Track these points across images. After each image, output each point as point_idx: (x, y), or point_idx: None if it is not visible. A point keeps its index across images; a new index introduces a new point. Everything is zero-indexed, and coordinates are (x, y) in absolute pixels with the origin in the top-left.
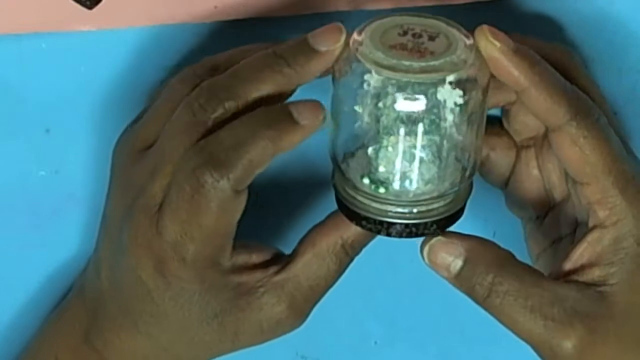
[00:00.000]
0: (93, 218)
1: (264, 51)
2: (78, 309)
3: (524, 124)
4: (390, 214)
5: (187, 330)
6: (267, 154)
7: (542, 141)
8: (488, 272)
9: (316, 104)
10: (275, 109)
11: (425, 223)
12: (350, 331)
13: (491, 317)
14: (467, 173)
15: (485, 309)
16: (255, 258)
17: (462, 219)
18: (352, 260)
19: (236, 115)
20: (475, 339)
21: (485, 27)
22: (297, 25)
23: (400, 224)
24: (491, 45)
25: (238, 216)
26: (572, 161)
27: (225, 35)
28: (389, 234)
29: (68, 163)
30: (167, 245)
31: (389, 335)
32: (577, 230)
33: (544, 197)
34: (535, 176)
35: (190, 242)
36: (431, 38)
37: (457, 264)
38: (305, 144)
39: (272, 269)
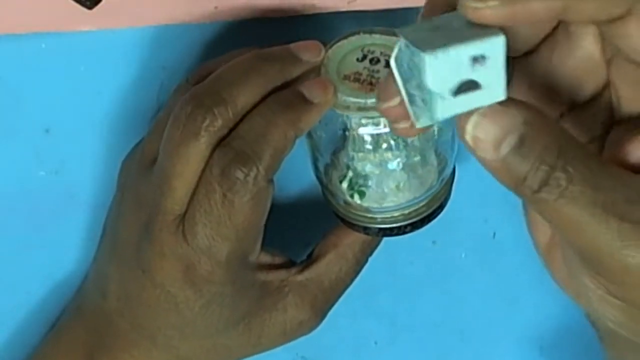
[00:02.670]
0: (93, 218)
1: (247, 54)
2: (77, 331)
3: None
4: (365, 219)
5: (211, 336)
6: (289, 139)
7: None
8: (548, 155)
9: (323, 81)
10: (287, 94)
11: (399, 227)
12: (350, 331)
13: (491, 317)
14: (442, 175)
15: (534, 206)
16: (277, 260)
17: (462, 218)
18: (367, 260)
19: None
20: (475, 339)
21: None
22: (297, 26)
23: (375, 227)
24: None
25: (269, 206)
26: None
27: (225, 35)
28: (367, 234)
29: (68, 163)
30: (199, 252)
31: (389, 335)
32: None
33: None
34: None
35: (225, 242)
36: (388, 64)
37: (511, 140)
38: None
39: (295, 269)
